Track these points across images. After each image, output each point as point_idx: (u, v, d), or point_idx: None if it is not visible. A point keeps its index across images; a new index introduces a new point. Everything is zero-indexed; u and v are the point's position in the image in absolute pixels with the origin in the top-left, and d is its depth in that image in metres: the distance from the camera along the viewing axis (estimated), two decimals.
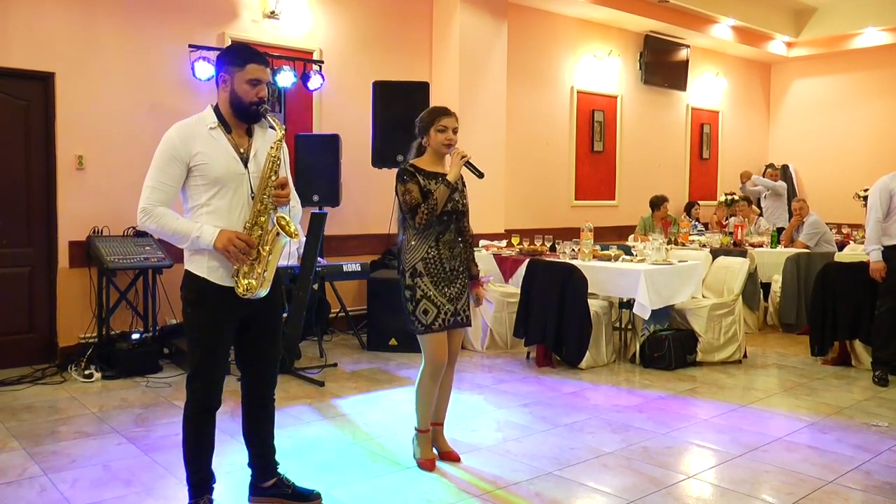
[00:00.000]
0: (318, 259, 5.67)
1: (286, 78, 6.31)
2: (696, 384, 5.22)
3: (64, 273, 5.59)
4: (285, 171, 2.86)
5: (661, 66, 10.02)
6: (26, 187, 5.49)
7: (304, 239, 5.25)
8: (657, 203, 8.39)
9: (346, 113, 6.98)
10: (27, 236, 5.52)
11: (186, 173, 2.71)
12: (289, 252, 2.91)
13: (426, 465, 3.54)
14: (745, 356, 5.94)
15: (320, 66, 6.67)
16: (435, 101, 6.32)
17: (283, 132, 2.80)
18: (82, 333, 5.60)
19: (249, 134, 2.84)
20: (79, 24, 5.59)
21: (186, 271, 2.78)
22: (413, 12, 7.53)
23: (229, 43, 6.21)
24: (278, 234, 2.71)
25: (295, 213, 2.92)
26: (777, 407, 4.67)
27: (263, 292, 2.74)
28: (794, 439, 4.03)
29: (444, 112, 3.48)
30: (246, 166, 2.76)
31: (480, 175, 3.49)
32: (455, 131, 3.47)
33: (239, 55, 2.78)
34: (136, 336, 5.43)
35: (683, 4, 9.14)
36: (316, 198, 6.15)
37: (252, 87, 2.74)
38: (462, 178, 3.57)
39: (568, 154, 9.16)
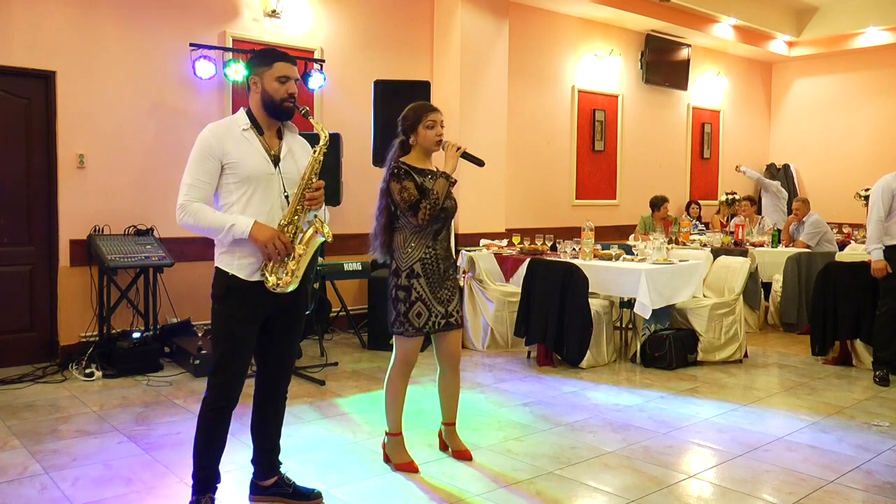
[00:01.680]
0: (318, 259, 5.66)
1: None
2: (696, 384, 5.22)
3: (65, 272, 5.59)
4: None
5: (663, 65, 10.01)
6: (27, 186, 5.49)
7: None
8: (657, 203, 8.41)
9: (346, 112, 6.98)
10: (28, 235, 5.52)
11: (220, 171, 2.76)
12: None
13: (408, 468, 3.47)
14: (745, 356, 5.94)
15: (321, 65, 6.67)
16: (436, 100, 6.31)
17: (327, 137, 2.86)
18: (83, 332, 5.60)
19: (280, 136, 2.89)
20: (80, 23, 5.59)
21: (216, 268, 2.83)
22: (414, 11, 7.52)
23: (230, 42, 6.22)
24: (316, 232, 2.76)
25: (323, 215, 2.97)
26: (778, 406, 4.67)
27: (293, 287, 2.79)
28: (794, 439, 4.03)
29: (431, 108, 3.42)
30: (276, 166, 2.81)
31: (481, 163, 3.46)
32: (442, 125, 3.42)
33: (266, 56, 2.87)
34: (136, 335, 5.43)
35: (685, 4, 9.12)
36: None
37: (281, 83, 2.80)
38: None
39: (569, 153, 9.15)
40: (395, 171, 3.36)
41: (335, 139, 6.37)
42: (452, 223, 3.59)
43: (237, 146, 2.76)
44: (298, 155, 2.92)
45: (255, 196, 2.77)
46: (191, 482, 2.88)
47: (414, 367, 3.52)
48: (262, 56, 2.87)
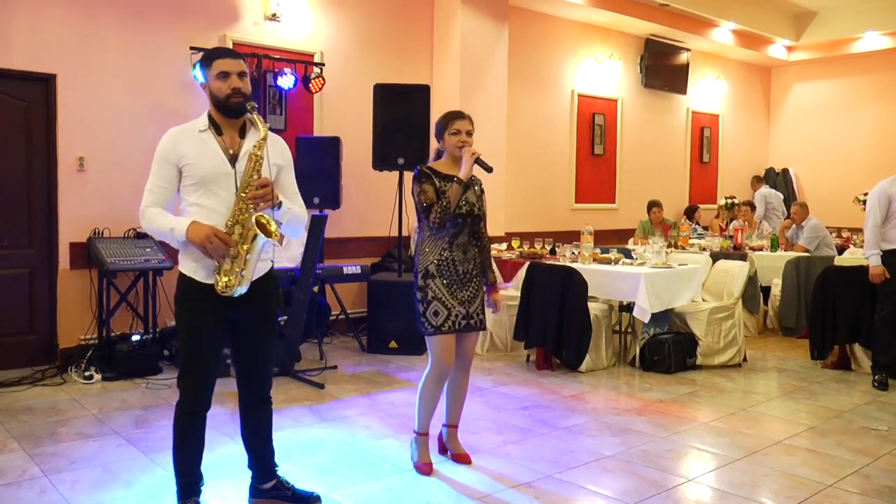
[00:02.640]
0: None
1: (287, 80, 6.32)
2: (695, 388, 5.22)
3: (64, 274, 5.59)
4: (288, 174, 2.94)
5: (662, 69, 10.03)
6: (27, 188, 5.49)
7: (304, 241, 5.26)
8: (648, 207, 8.58)
9: (346, 115, 6.99)
10: (28, 237, 5.52)
11: (179, 174, 2.77)
12: (291, 255, 2.91)
13: (423, 468, 3.53)
14: (744, 360, 5.94)
15: (321, 69, 6.68)
16: (435, 104, 6.33)
17: (266, 131, 2.80)
18: (82, 335, 5.60)
19: (242, 135, 2.85)
20: (80, 27, 5.60)
21: (178, 272, 2.83)
22: (414, 15, 7.54)
23: (231, 45, 6.22)
24: (256, 234, 2.70)
25: (293, 216, 2.88)
26: (777, 410, 4.68)
27: (241, 290, 2.73)
28: (793, 443, 4.04)
29: (457, 116, 3.55)
30: (234, 166, 2.79)
31: (490, 169, 3.54)
32: (469, 133, 3.52)
33: (206, 57, 2.86)
34: (136, 338, 5.42)
35: (684, 8, 9.15)
36: (316, 200, 6.16)
37: (222, 80, 2.77)
38: (480, 182, 3.61)
39: (568, 157, 9.17)
40: (417, 174, 3.50)
41: (334, 142, 6.39)
42: (485, 228, 3.66)
43: (193, 148, 2.76)
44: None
45: (212, 196, 2.75)
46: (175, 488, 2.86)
47: (449, 370, 3.51)
48: (203, 58, 2.87)
